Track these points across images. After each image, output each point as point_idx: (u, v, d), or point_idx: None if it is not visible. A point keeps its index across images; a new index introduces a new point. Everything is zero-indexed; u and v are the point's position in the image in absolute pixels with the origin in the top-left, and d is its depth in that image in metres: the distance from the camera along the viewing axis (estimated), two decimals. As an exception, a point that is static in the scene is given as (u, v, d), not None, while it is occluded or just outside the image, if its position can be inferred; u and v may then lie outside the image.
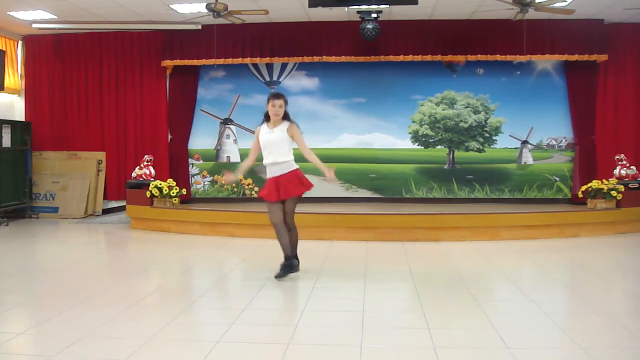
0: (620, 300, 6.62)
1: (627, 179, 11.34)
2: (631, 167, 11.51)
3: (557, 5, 10.03)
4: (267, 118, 7.40)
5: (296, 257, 7.56)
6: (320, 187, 13.33)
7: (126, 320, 5.48)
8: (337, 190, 13.33)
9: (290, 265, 7.38)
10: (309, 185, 7.45)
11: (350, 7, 10.72)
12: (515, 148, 13.20)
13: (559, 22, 11.88)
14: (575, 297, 6.77)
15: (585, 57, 12.26)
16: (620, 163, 11.55)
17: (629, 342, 4.82)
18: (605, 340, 4.87)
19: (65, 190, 13.41)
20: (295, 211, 7.57)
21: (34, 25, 12.48)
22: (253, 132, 13.23)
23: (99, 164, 13.54)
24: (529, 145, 13.16)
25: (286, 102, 7.35)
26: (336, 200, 13.08)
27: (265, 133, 7.33)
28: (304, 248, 9.56)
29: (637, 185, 11.25)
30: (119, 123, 13.48)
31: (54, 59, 13.59)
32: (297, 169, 7.39)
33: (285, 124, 7.29)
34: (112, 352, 4.60)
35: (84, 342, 4.78)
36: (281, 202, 7.33)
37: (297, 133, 7.32)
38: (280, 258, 7.43)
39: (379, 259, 8.60)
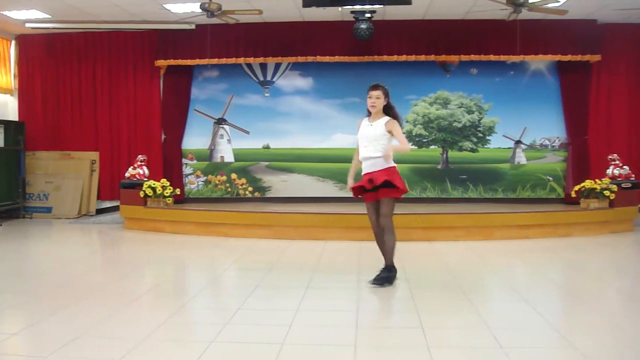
0: (614, 300, 6.63)
1: (620, 179, 11.38)
2: (624, 167, 11.55)
3: (551, 5, 10.07)
4: (369, 112, 7.08)
5: (393, 266, 7.02)
6: (314, 187, 13.43)
7: (120, 320, 5.47)
8: (331, 190, 13.37)
9: (386, 277, 6.92)
10: (403, 190, 6.91)
11: (344, 7, 10.74)
12: (509, 148, 13.25)
13: (552, 22, 11.92)
14: (568, 296, 6.80)
15: (579, 58, 12.32)
16: (613, 163, 11.59)
17: (623, 342, 4.83)
18: (600, 340, 4.88)
19: (58, 190, 13.39)
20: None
21: (28, 25, 12.47)
22: (247, 132, 13.42)
23: (93, 163, 13.51)
24: (522, 145, 13.20)
25: (386, 94, 6.97)
26: (330, 200, 13.10)
27: (364, 127, 7.03)
28: (298, 248, 9.60)
29: (629, 185, 11.30)
30: (113, 123, 13.45)
31: (48, 58, 13.57)
32: (393, 167, 6.90)
33: (385, 119, 6.92)
34: (107, 352, 4.59)
35: (78, 343, 4.77)
36: (376, 202, 6.99)
37: (396, 127, 6.84)
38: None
39: (373, 259, 8.56)
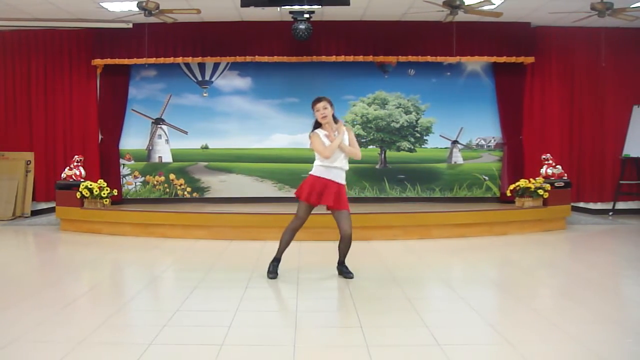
0: (547, 296, 6.81)
1: (553, 178, 11.64)
2: (557, 166, 11.82)
3: (486, 8, 10.22)
4: (318, 124, 7.13)
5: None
6: (252, 187, 13.41)
7: (57, 324, 5.38)
8: (269, 190, 13.36)
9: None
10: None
11: (282, 7, 10.73)
12: (446, 148, 13.43)
13: (487, 24, 12.12)
14: (504, 293, 6.92)
15: (513, 59, 12.57)
16: (546, 162, 11.84)
17: (555, 337, 4.94)
18: (533, 336, 4.98)
19: (-9, 192, 13.09)
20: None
21: (-42, 22, 12.16)
22: (186, 133, 13.31)
23: (28, 164, 13.23)
24: (458, 145, 13.40)
25: (331, 103, 7.06)
26: (268, 200, 13.10)
27: (325, 139, 7.06)
28: (236, 248, 9.57)
29: (562, 184, 11.57)
30: (48, 123, 13.15)
31: (-21, 56, 13.24)
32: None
33: (343, 128, 7.08)
34: (43, 356, 4.52)
35: (13, 347, 4.68)
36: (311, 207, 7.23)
37: (352, 134, 7.21)
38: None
39: (312, 258, 8.63)
